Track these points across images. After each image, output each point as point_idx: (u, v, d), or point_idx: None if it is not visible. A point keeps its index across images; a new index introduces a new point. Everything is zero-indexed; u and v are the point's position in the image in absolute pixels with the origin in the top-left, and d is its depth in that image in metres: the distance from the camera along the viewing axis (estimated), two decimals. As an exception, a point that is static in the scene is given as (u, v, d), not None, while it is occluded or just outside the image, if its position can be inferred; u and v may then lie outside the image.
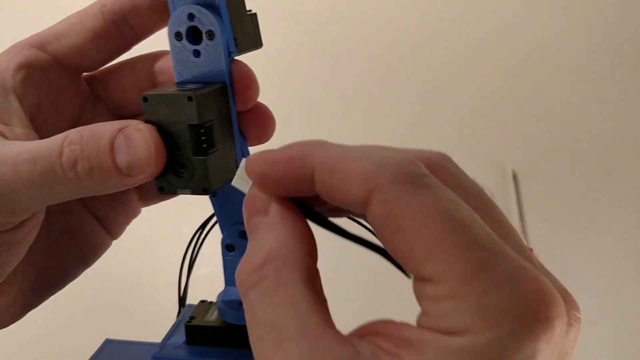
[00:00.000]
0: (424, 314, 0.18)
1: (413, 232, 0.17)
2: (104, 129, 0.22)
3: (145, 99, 0.23)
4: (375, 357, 0.17)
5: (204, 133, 0.23)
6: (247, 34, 0.26)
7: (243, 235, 0.26)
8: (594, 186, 0.60)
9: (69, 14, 0.27)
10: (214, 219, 0.30)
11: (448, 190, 0.18)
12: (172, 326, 0.31)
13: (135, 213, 0.32)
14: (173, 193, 0.23)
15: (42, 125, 0.26)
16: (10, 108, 0.24)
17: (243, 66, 0.26)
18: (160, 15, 0.26)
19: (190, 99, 0.22)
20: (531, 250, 0.61)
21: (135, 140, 0.22)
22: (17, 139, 0.24)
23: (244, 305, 0.19)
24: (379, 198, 0.17)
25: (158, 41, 0.30)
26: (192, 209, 0.64)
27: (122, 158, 0.22)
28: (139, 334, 0.58)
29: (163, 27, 0.26)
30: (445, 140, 0.64)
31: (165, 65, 0.28)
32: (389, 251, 0.18)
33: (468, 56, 0.69)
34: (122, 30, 0.26)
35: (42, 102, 0.26)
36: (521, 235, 0.58)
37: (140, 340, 0.36)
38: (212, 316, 0.29)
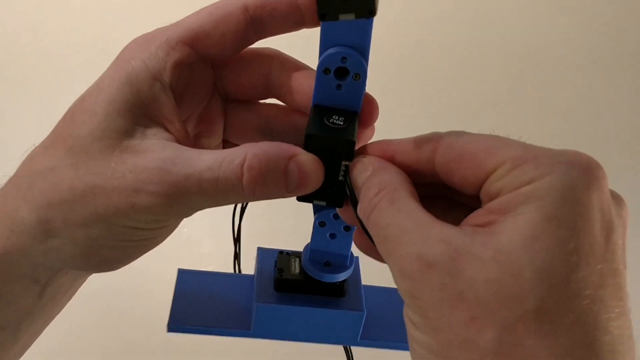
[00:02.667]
0: (496, 194, 0.23)
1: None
2: (278, 154, 0.26)
3: (310, 137, 0.27)
4: (473, 229, 0.22)
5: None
6: None
7: (336, 217, 0.31)
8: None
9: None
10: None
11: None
12: (255, 273, 0.36)
13: None
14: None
15: (182, 114, 0.29)
16: (171, 105, 0.27)
17: (371, 98, 0.31)
18: (293, 24, 0.30)
19: (351, 144, 0.28)
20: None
21: (306, 170, 0.26)
22: (177, 134, 0.27)
23: (368, 227, 0.24)
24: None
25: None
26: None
27: (292, 182, 0.26)
28: (139, 333, 0.58)
29: (290, 32, 0.30)
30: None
31: (281, 77, 0.31)
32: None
33: (468, 56, 0.69)
34: (256, 31, 0.30)
35: (184, 94, 0.29)
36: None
37: (212, 270, 0.39)
38: (296, 270, 0.35)
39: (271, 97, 0.32)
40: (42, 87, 0.74)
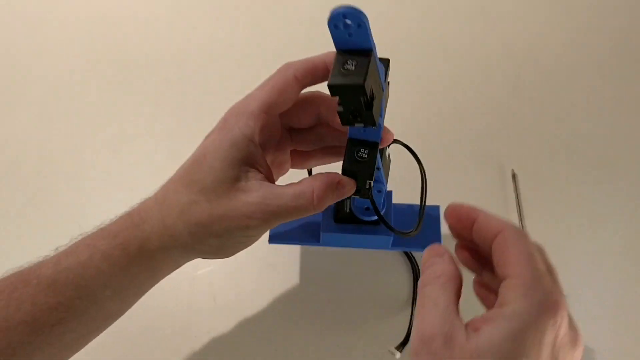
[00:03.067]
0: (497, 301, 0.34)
1: (513, 253, 0.34)
2: (331, 183, 0.42)
3: (344, 171, 0.43)
4: (471, 329, 0.33)
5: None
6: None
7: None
8: (593, 186, 0.60)
9: (264, 78, 0.44)
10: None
11: (533, 244, 0.36)
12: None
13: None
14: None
15: (266, 155, 0.44)
16: (260, 155, 0.42)
17: (387, 130, 0.44)
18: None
19: (370, 176, 0.44)
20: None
21: (346, 188, 0.42)
22: (266, 173, 0.42)
23: (419, 293, 0.36)
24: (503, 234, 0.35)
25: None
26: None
27: (340, 195, 0.42)
28: (139, 333, 0.58)
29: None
30: (445, 140, 0.64)
31: (329, 115, 0.45)
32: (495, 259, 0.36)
33: (467, 55, 0.69)
34: (304, 87, 0.43)
35: (266, 143, 0.44)
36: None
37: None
38: (347, 209, 0.52)
39: (322, 125, 0.47)
40: (41, 87, 0.74)
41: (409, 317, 0.55)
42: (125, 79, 0.72)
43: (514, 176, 0.60)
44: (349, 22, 0.35)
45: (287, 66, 0.43)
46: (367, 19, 0.35)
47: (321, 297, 0.57)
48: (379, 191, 0.50)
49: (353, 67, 0.36)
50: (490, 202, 0.59)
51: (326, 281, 0.58)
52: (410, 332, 0.53)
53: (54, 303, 0.40)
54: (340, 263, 0.58)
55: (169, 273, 0.45)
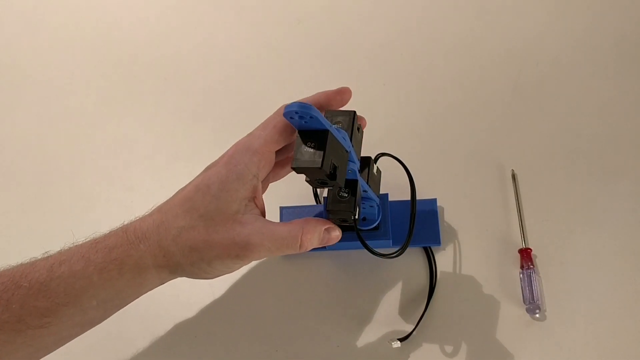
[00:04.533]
0: None
1: None
2: (319, 229, 0.47)
3: (329, 211, 0.49)
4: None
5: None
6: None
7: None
8: (593, 186, 0.60)
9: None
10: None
11: None
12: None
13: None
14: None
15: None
16: (259, 189, 0.46)
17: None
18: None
19: (352, 214, 0.49)
20: (530, 250, 0.60)
21: (332, 235, 0.49)
22: (261, 207, 0.47)
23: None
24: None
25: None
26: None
27: (325, 241, 0.49)
28: (139, 332, 0.58)
29: None
30: (445, 139, 0.64)
31: None
32: None
33: (467, 55, 0.69)
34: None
35: (264, 179, 0.49)
36: (520, 235, 0.59)
37: (307, 204, 0.59)
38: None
39: None
40: (41, 87, 0.74)
41: (422, 312, 0.55)
42: (125, 79, 0.72)
43: (514, 176, 0.60)
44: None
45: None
46: (317, 111, 0.39)
47: (324, 295, 0.57)
48: (371, 206, 0.54)
49: (312, 149, 0.41)
50: (490, 202, 0.59)
51: (329, 279, 0.58)
52: (417, 326, 0.53)
53: (42, 308, 0.42)
54: (351, 258, 0.58)
55: (152, 289, 0.47)
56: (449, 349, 0.53)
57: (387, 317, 0.55)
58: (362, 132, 0.49)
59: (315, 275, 0.58)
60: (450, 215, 0.59)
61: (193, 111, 0.69)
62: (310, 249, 0.47)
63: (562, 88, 0.66)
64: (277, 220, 0.58)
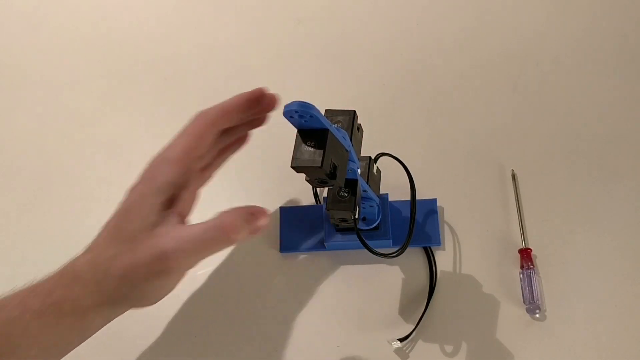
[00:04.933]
0: None
1: None
2: (241, 211, 0.42)
3: (328, 209, 0.51)
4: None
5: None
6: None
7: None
8: (593, 186, 0.60)
9: None
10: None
11: None
12: (325, 217, 0.57)
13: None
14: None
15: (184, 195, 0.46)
16: (183, 196, 0.44)
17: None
18: (250, 124, 0.50)
19: (352, 214, 0.50)
20: (530, 250, 0.60)
21: (259, 220, 0.43)
22: (185, 215, 0.45)
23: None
24: None
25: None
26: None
27: (253, 222, 0.42)
28: (139, 332, 0.58)
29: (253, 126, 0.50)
30: (445, 140, 0.64)
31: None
32: None
33: (467, 55, 0.69)
34: (227, 130, 0.49)
35: (186, 183, 0.46)
36: (520, 235, 0.59)
37: (307, 204, 0.59)
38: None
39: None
40: (41, 87, 0.74)
41: (422, 312, 0.55)
42: (125, 79, 0.72)
43: (513, 176, 0.60)
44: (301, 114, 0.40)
45: (202, 114, 0.47)
46: (316, 110, 0.39)
47: (324, 295, 0.57)
48: (371, 206, 0.53)
49: (312, 147, 0.41)
50: (491, 202, 0.59)
51: (329, 279, 0.58)
52: (417, 326, 0.53)
53: None
54: (351, 258, 0.58)
55: (97, 330, 0.45)
56: (449, 349, 0.53)
57: (387, 317, 0.55)
58: (362, 131, 0.49)
59: (315, 275, 0.58)
60: (450, 215, 0.59)
61: (193, 111, 0.69)
62: (242, 236, 0.42)
63: (562, 88, 0.66)
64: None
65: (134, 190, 0.44)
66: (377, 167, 0.53)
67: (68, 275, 0.43)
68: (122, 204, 0.44)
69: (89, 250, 0.44)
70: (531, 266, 0.55)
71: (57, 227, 0.62)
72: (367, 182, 0.50)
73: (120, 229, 0.43)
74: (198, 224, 0.42)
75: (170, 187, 0.44)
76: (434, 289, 0.56)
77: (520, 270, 0.55)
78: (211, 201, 0.63)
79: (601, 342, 0.53)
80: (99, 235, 0.44)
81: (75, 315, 0.42)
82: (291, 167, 0.41)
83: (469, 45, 0.69)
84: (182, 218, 0.44)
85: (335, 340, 0.55)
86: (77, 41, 0.75)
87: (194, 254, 0.42)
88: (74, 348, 0.45)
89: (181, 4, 0.77)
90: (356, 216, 0.49)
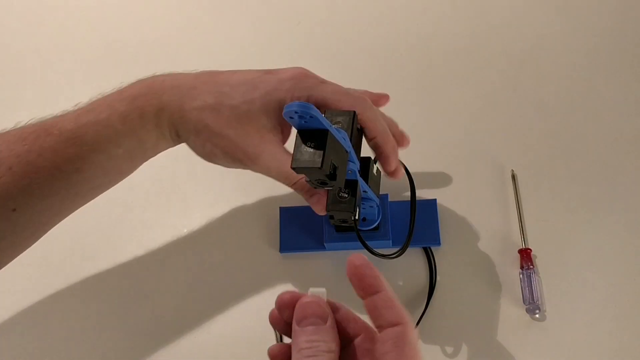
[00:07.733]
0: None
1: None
2: (308, 189, 0.49)
3: (328, 210, 0.50)
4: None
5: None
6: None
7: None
8: (593, 186, 0.60)
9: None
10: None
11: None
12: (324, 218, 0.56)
13: None
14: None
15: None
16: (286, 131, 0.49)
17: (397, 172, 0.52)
18: None
19: (351, 215, 0.50)
20: (530, 250, 0.60)
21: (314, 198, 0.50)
22: (285, 139, 0.49)
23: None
24: None
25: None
26: (192, 209, 0.64)
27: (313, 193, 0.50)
28: (139, 332, 0.58)
29: None
30: (444, 140, 0.64)
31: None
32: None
33: (466, 55, 0.69)
34: None
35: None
36: (520, 235, 0.59)
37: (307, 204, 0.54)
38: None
39: None
40: (41, 87, 0.74)
41: (421, 312, 0.55)
42: (125, 79, 0.72)
43: (513, 176, 0.60)
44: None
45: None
46: (316, 111, 0.39)
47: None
48: (371, 206, 0.54)
49: (312, 148, 0.41)
50: (490, 202, 0.59)
51: (329, 279, 0.58)
52: (417, 326, 0.53)
53: (73, 154, 0.44)
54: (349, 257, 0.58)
55: (158, 152, 0.49)
56: (449, 349, 0.53)
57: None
58: (362, 132, 0.49)
59: (315, 275, 0.58)
60: (450, 215, 0.59)
61: (193, 111, 0.69)
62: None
63: (562, 88, 0.66)
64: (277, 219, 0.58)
65: (271, 78, 0.47)
66: (377, 167, 0.53)
67: (157, 85, 0.47)
68: (255, 77, 0.47)
69: (183, 78, 0.47)
70: (531, 266, 0.55)
71: (56, 227, 0.62)
72: (367, 183, 0.50)
73: (234, 94, 0.45)
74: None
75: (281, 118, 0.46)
76: (433, 289, 0.56)
77: (520, 271, 0.55)
78: (211, 201, 0.64)
79: (601, 342, 0.53)
80: (199, 78, 0.47)
81: (153, 122, 0.45)
82: (291, 167, 0.41)
83: (469, 45, 0.69)
84: (283, 141, 0.48)
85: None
86: (77, 41, 0.75)
87: (269, 174, 0.47)
88: (150, 157, 0.49)
89: (181, 5, 0.77)
90: (356, 217, 0.49)
